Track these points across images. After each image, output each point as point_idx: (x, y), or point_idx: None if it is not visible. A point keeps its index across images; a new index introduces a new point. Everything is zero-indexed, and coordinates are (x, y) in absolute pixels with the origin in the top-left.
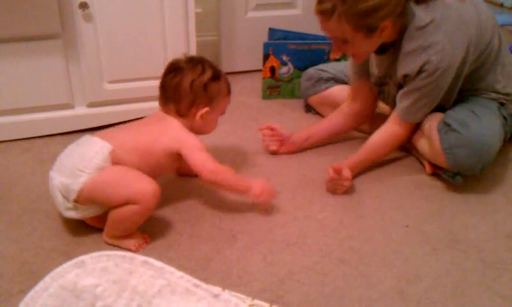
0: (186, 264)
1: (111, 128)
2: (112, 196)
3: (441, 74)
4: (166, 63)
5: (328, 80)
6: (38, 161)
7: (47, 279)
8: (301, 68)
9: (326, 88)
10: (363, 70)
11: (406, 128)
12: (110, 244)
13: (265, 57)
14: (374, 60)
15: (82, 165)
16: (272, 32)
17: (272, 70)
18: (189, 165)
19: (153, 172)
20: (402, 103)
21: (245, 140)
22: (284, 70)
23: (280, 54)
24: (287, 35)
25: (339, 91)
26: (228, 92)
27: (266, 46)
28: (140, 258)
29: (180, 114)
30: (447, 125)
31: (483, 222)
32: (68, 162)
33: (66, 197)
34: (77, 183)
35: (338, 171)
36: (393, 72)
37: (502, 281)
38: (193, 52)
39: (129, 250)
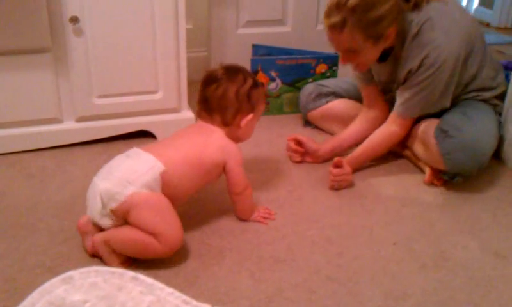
0: (174, 280)
1: (154, 143)
2: (146, 220)
3: (439, 68)
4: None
5: (328, 94)
6: (26, 175)
7: (35, 294)
8: (288, 83)
9: (327, 102)
10: (368, 77)
11: (402, 126)
12: (95, 250)
13: (254, 73)
14: (376, 68)
15: (131, 177)
16: (256, 48)
17: None
18: (228, 176)
19: (203, 181)
20: (401, 97)
21: None
22: (272, 85)
23: (268, 70)
24: (271, 51)
25: (339, 104)
26: (265, 97)
27: (255, 62)
28: (129, 273)
29: (225, 124)
30: (443, 131)
31: (471, 240)
32: (117, 172)
33: (105, 205)
34: (123, 193)
35: (339, 164)
36: (396, 76)
37: (489, 298)
38: (183, 67)
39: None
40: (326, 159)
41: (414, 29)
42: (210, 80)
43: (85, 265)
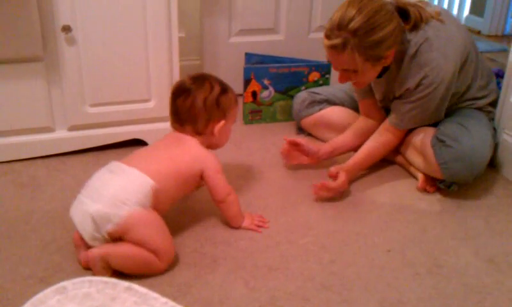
0: (167, 290)
1: (133, 155)
2: (146, 238)
3: (436, 87)
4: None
5: (321, 102)
6: (17, 185)
7: (28, 305)
8: (281, 91)
9: (320, 109)
10: (365, 91)
11: (397, 135)
12: (88, 264)
13: (247, 82)
14: (372, 84)
15: (124, 197)
16: (248, 56)
17: (254, 94)
18: (207, 185)
19: (182, 193)
20: (397, 110)
21: (227, 165)
22: (265, 93)
23: (261, 78)
24: (264, 59)
25: (333, 112)
26: (236, 100)
27: (247, 70)
28: (123, 283)
29: (197, 133)
30: (440, 140)
31: (464, 246)
32: (106, 191)
33: (98, 227)
34: (118, 215)
35: (334, 176)
36: (392, 93)
37: (484, 305)
38: (176, 76)
39: None
40: (326, 159)
41: (412, 50)
42: (178, 91)
43: (78, 276)
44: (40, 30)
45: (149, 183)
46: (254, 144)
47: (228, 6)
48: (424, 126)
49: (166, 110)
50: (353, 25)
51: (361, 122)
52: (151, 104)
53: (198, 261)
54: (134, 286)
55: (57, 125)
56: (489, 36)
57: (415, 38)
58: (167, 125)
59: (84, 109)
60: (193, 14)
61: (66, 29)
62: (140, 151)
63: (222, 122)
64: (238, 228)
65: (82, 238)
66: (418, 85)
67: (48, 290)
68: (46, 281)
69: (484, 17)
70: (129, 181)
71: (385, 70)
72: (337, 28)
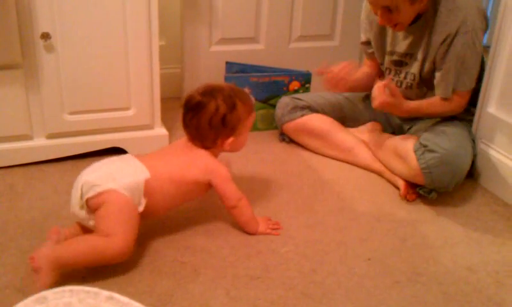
0: (147, 300)
1: (146, 155)
2: (111, 216)
3: (475, 34)
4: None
5: (303, 108)
6: None
7: None
8: (262, 100)
9: (302, 115)
10: (372, 53)
11: (453, 100)
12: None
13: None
14: (400, 35)
15: (116, 175)
16: (229, 65)
17: None
18: (217, 193)
19: (184, 198)
20: (441, 81)
21: None
22: None
23: (242, 86)
24: (245, 68)
25: (314, 119)
26: (250, 110)
27: (228, 79)
28: (105, 293)
29: (206, 148)
30: (423, 145)
31: (443, 255)
32: (105, 168)
33: (83, 194)
34: (102, 186)
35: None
36: (417, 50)
37: None
38: (156, 84)
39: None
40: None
41: None
42: (186, 107)
43: (57, 286)
44: (19, 37)
45: (145, 175)
46: (237, 153)
47: (209, 14)
48: (404, 133)
49: (146, 119)
50: None
51: (366, 68)
52: (130, 112)
53: (178, 271)
54: (115, 295)
55: (35, 132)
56: None
57: None
58: (147, 133)
59: (63, 117)
60: (174, 22)
61: (45, 36)
62: (153, 153)
63: (231, 139)
64: (254, 233)
65: (56, 232)
66: (457, 32)
67: (28, 300)
68: (24, 291)
69: None
70: (128, 166)
71: (417, 19)
72: None
